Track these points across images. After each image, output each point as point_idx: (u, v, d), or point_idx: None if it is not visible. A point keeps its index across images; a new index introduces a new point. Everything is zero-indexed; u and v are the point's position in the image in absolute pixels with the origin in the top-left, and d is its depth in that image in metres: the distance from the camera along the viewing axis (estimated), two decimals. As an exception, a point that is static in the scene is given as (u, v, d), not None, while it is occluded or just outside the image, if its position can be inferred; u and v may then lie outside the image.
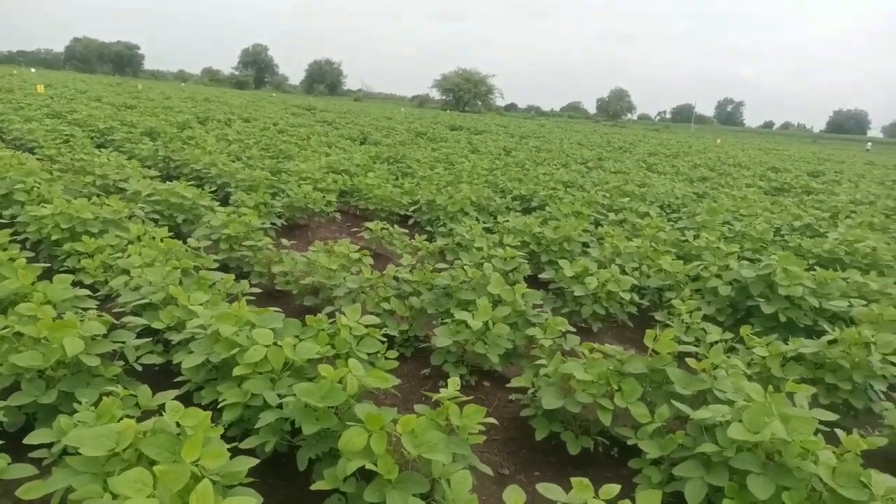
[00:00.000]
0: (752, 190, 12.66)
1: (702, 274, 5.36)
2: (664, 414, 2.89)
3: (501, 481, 3.10)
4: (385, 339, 3.40)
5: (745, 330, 3.96)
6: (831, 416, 2.66)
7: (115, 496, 1.87)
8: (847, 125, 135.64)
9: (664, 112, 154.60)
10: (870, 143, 70.27)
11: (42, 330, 2.87)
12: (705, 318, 4.71)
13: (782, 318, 4.72)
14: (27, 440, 2.43)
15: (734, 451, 2.46)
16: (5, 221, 5.52)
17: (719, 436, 2.54)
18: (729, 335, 3.97)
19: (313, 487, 2.33)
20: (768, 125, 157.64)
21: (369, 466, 2.21)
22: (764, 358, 3.68)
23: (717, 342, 3.77)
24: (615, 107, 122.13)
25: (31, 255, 4.51)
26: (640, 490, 2.13)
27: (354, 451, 2.26)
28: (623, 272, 5.31)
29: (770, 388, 3.00)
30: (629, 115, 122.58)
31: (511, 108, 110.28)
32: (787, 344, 3.81)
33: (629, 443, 3.03)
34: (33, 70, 59.05)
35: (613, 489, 2.12)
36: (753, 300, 4.92)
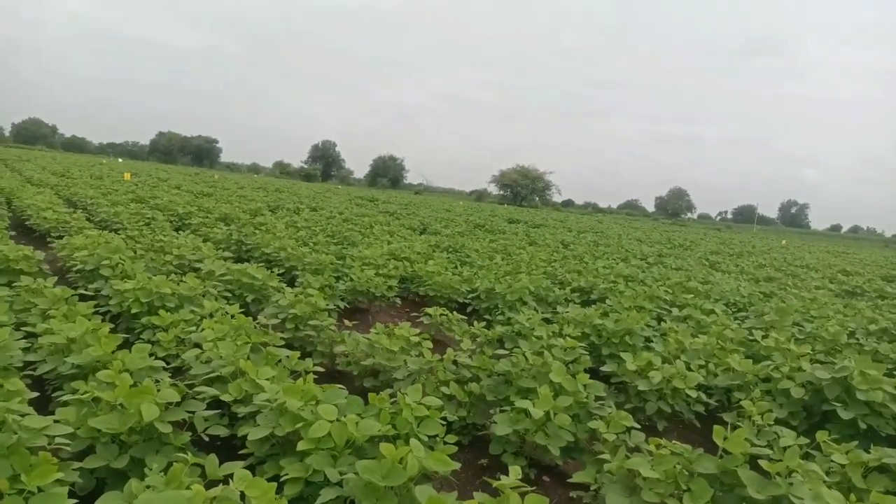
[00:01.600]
0: (822, 292, 12.16)
1: (772, 374, 5.13)
2: (737, 519, 2.73)
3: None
4: (445, 423, 3.38)
5: (821, 436, 3.74)
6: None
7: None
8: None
9: (725, 212, 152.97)
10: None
11: (120, 396, 3.00)
12: (777, 421, 4.47)
13: (862, 426, 4.43)
14: (99, 502, 2.50)
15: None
16: (90, 294, 5.87)
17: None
18: (804, 440, 3.76)
19: (371, 570, 2.29)
20: (836, 228, 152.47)
21: (429, 551, 2.17)
22: (843, 466, 3.45)
23: (791, 446, 3.57)
24: (674, 205, 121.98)
25: (112, 326, 4.77)
26: None
27: (415, 534, 2.22)
28: (689, 369, 5.15)
29: (852, 497, 2.82)
30: (689, 214, 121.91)
31: (568, 204, 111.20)
32: (868, 453, 3.57)
33: (699, 549, 2.85)
34: (120, 160, 63.98)
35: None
36: (829, 404, 4.65)
